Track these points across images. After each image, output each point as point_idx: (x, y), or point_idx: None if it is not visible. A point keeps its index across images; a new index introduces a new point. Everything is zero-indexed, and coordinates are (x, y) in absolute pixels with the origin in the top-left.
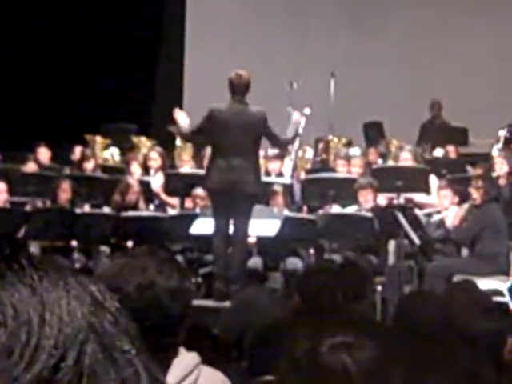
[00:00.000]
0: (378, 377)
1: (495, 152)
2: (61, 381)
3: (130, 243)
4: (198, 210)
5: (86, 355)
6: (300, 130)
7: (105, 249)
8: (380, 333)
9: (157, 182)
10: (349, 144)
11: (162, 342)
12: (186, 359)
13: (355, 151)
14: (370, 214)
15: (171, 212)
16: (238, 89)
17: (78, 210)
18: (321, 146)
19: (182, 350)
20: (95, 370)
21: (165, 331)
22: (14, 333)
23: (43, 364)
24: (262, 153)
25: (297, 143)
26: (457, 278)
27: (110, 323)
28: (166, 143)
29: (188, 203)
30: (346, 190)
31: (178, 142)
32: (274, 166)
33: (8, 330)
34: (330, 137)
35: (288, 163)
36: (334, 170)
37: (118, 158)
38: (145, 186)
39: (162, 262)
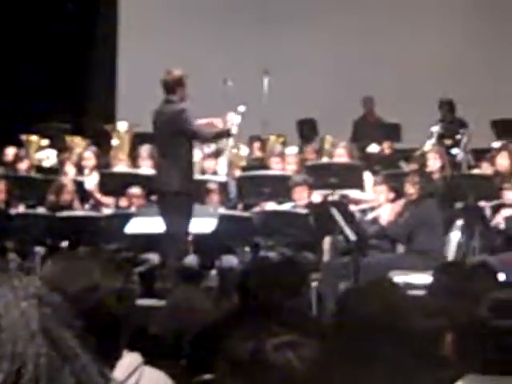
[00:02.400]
0: (322, 374)
1: (428, 147)
2: None
3: (65, 243)
4: (133, 209)
5: (43, 356)
6: (234, 130)
7: (40, 249)
8: (321, 330)
9: (91, 181)
10: (284, 143)
11: (107, 344)
12: (128, 360)
13: (292, 150)
14: (305, 211)
15: (106, 211)
16: (167, 86)
17: (12, 211)
18: (257, 144)
19: (125, 351)
20: (52, 368)
21: (109, 333)
22: None
23: (6, 372)
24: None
25: (231, 141)
26: (392, 274)
27: (55, 319)
28: (101, 142)
29: (123, 202)
30: (281, 188)
31: (114, 141)
32: (208, 164)
33: None
34: (267, 136)
35: (223, 161)
36: (269, 168)
37: (54, 159)
38: (79, 185)
39: (105, 264)
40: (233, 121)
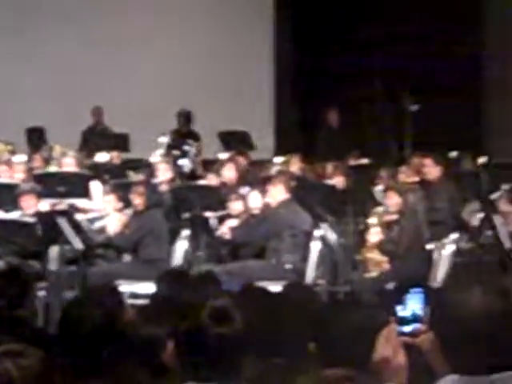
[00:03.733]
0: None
1: (156, 158)
2: None
3: None
4: None
5: None
6: None
7: None
8: (44, 339)
9: None
10: (13, 152)
11: None
12: None
13: (20, 158)
14: (32, 220)
15: None
16: None
17: None
18: None
19: None
20: None
21: None
22: None
23: None
24: None
25: None
26: (118, 283)
27: None
28: None
29: None
30: (8, 196)
31: None
32: None
33: None
34: None
35: None
36: None
37: None
38: None
39: None
40: None
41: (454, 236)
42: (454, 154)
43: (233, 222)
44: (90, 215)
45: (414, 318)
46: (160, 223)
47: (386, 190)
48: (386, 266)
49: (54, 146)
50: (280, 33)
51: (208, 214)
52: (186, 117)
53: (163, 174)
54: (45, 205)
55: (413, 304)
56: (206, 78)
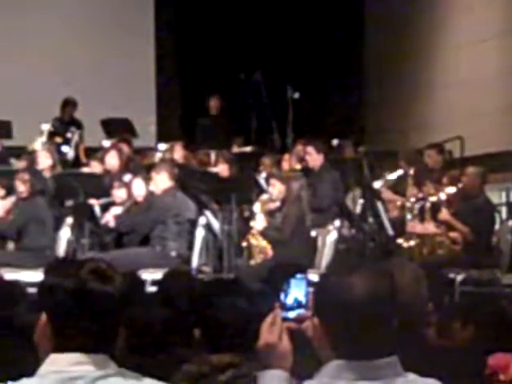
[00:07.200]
0: None
1: (38, 145)
2: None
3: None
4: None
5: None
6: None
7: None
8: None
9: None
10: None
11: None
12: None
13: None
14: None
15: None
16: None
17: None
18: None
19: None
20: None
21: None
22: None
23: None
24: None
25: None
26: (3, 272)
27: None
28: None
29: None
30: None
31: None
32: None
33: None
34: None
35: None
36: None
37: None
38: None
39: None
40: None
41: (337, 223)
42: (335, 141)
43: (117, 210)
44: None
45: (298, 304)
46: (44, 210)
47: (268, 178)
48: (271, 253)
49: None
50: (161, 23)
51: (92, 201)
52: (72, 105)
53: (43, 162)
54: None
55: (296, 290)
56: (88, 65)
